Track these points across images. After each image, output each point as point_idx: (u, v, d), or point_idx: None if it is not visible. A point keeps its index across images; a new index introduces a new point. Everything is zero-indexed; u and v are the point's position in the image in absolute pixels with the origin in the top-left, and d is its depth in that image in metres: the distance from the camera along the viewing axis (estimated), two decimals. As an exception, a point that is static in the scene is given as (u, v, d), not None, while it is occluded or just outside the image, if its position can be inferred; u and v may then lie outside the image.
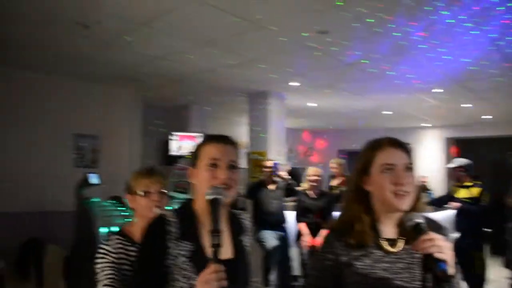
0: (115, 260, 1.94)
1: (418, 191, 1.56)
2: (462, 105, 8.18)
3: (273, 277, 5.83)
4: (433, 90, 6.91)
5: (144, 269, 1.52)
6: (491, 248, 7.73)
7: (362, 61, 5.35)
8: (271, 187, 5.67)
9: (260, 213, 5.58)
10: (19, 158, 6.03)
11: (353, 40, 4.58)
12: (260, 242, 5.48)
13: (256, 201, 5.64)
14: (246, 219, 1.76)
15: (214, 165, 1.54)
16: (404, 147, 1.57)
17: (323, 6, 3.77)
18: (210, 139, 1.63)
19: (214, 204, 1.43)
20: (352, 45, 4.73)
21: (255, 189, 5.64)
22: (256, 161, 7.01)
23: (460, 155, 10.15)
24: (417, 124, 10.98)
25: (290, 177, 5.78)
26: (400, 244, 1.53)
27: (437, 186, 10.20)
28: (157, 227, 1.52)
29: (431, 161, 10.93)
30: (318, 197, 5.58)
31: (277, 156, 6.85)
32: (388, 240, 1.53)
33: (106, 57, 5.43)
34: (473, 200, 5.57)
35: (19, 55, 5.43)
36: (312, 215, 5.53)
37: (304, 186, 5.76)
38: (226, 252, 1.55)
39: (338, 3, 3.64)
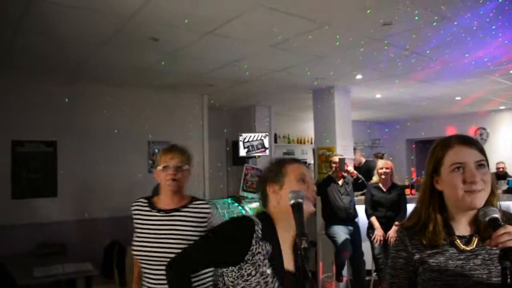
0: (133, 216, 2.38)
1: (493, 184, 1.53)
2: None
3: (345, 272, 5.82)
4: (511, 71, 6.56)
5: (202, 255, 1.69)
6: None
7: (428, 51, 5.19)
8: (340, 182, 5.65)
9: (329, 208, 5.58)
10: (102, 168, 6.43)
11: (418, 29, 4.46)
12: (331, 237, 5.48)
13: (325, 196, 5.64)
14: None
15: (302, 181, 1.74)
16: (475, 144, 1.54)
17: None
18: (293, 161, 1.85)
19: (296, 208, 1.55)
20: (417, 34, 4.60)
21: (323, 185, 5.64)
22: (323, 157, 7.00)
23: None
24: (492, 107, 10.42)
25: (356, 172, 5.71)
26: (475, 241, 1.52)
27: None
28: (246, 225, 1.66)
29: (509, 146, 10.36)
30: (389, 190, 5.49)
31: (345, 151, 6.80)
32: (462, 237, 1.53)
33: (175, 66, 5.64)
34: None
35: (96, 71, 5.79)
36: (383, 208, 5.47)
37: (374, 179, 5.70)
38: (288, 264, 1.69)
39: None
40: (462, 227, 1.55)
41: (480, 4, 3.84)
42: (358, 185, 5.68)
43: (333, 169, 5.65)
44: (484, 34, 4.72)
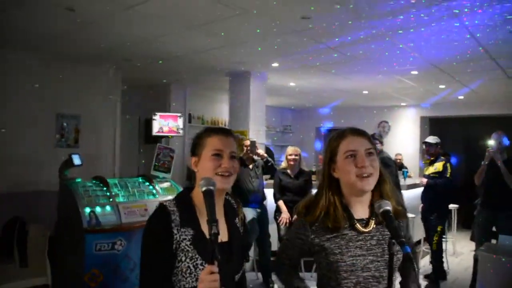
0: None
1: (381, 170, 1.73)
2: (439, 86, 8.38)
3: (252, 252, 6.04)
4: (412, 72, 7.07)
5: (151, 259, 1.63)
6: (460, 222, 8.09)
7: (339, 48, 5.48)
8: (251, 165, 5.79)
9: (239, 190, 5.70)
10: (2, 139, 6.02)
11: (334, 25, 4.66)
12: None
13: (236, 179, 5.76)
14: (234, 203, 1.93)
15: (218, 155, 1.70)
16: (365, 134, 1.74)
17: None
18: (213, 130, 1.79)
19: (207, 195, 1.52)
20: (332, 30, 4.82)
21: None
22: (237, 140, 7.11)
23: (433, 133, 10.39)
24: (394, 103, 11.18)
25: (267, 155, 5.91)
26: (372, 224, 1.71)
27: (412, 163, 10.51)
28: (161, 217, 1.64)
29: (407, 139, 11.20)
30: (296, 176, 5.74)
31: (257, 135, 6.97)
32: (360, 220, 1.71)
33: (89, 38, 5.45)
34: (438, 174, 5.90)
35: (3, 35, 5.42)
36: (291, 193, 5.71)
37: (283, 165, 5.93)
38: (222, 235, 1.68)
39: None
40: (359, 211, 1.73)
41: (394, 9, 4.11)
42: (268, 168, 5.87)
43: (244, 151, 5.78)
44: (392, 36, 5.06)
